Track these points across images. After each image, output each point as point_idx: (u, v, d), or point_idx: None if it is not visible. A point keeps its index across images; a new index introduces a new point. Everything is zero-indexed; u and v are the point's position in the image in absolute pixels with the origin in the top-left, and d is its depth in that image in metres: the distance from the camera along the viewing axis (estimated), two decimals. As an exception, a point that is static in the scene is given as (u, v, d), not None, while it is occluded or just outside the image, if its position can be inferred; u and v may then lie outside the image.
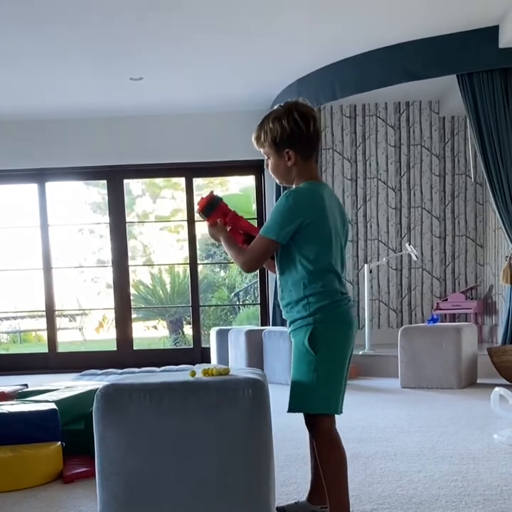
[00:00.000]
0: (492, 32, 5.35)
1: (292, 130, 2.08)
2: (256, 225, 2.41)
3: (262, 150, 2.18)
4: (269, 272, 2.35)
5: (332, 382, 2.07)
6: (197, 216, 7.94)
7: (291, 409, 2.09)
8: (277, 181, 2.23)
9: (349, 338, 2.10)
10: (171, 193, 12.30)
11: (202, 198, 2.25)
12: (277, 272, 2.17)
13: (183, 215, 8.12)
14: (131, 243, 9.83)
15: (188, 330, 11.38)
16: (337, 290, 2.09)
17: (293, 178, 2.15)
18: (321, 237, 2.06)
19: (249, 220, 2.32)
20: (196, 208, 2.31)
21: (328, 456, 2.08)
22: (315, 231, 2.04)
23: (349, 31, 5.46)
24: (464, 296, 7.18)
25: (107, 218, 8.08)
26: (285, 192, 2.09)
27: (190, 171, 7.86)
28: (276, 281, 2.23)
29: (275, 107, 2.16)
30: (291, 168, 2.13)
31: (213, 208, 2.23)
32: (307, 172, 2.13)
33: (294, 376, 2.10)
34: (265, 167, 2.23)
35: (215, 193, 2.27)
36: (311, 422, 2.11)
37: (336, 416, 2.11)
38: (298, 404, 2.09)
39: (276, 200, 7.88)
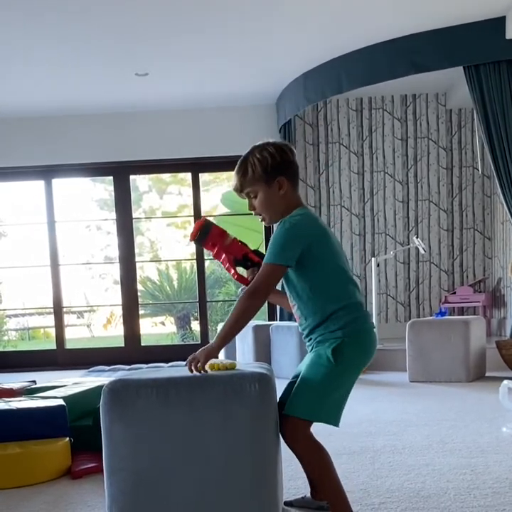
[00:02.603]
0: (499, 23, 5.31)
1: (281, 156, 2.09)
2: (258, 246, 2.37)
3: (247, 190, 2.12)
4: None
5: (341, 396, 2.07)
6: (204, 212, 8.00)
7: (292, 412, 2.02)
8: (266, 221, 2.16)
9: (369, 357, 2.11)
10: (178, 189, 12.30)
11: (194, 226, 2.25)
12: (294, 302, 2.13)
13: (190, 210, 8.12)
14: (138, 239, 9.85)
15: (195, 325, 11.38)
16: (360, 302, 2.11)
17: (283, 209, 2.10)
18: (331, 251, 2.08)
19: (246, 244, 2.27)
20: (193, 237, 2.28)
21: (313, 459, 2.07)
22: (323, 247, 2.06)
23: (356, 23, 5.43)
24: (472, 289, 7.15)
25: (113, 215, 8.07)
26: (279, 222, 2.06)
27: (196, 166, 7.84)
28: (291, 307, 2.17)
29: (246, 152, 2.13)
30: (282, 199, 2.10)
31: (206, 234, 2.24)
32: (297, 201, 2.14)
33: (305, 378, 2.06)
34: (251, 210, 2.16)
35: (206, 218, 2.27)
36: (293, 428, 2.03)
37: (344, 411, 2.10)
38: (303, 409, 2.02)
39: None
